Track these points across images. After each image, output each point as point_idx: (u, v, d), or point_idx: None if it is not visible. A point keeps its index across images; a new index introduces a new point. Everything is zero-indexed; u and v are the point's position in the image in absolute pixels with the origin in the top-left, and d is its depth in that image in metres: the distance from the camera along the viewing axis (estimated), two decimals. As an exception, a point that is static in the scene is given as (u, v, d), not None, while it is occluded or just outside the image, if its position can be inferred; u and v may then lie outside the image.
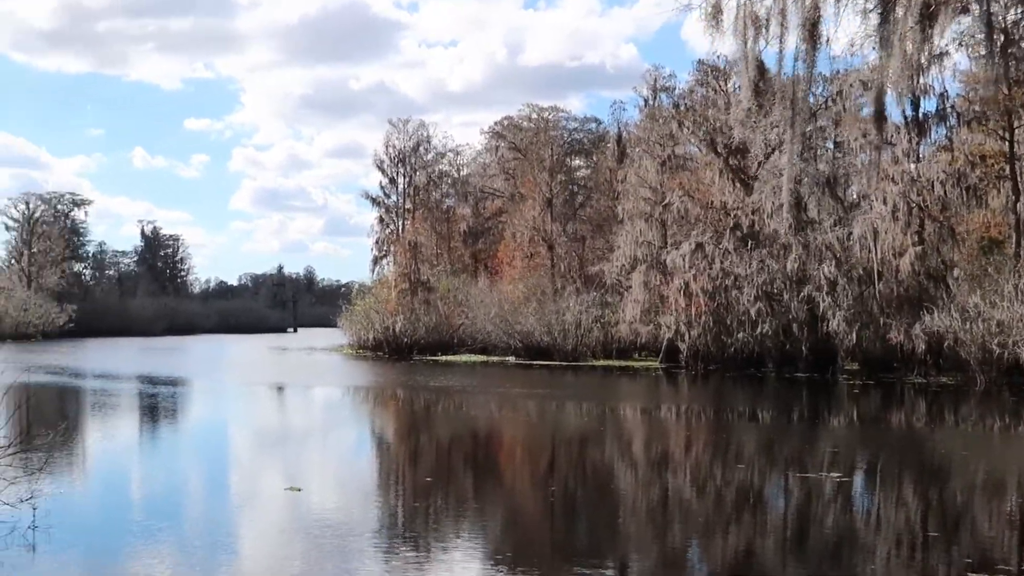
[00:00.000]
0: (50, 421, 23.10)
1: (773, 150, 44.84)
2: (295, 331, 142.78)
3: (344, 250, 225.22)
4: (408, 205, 73.94)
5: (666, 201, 50.15)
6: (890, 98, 29.70)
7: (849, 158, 44.74)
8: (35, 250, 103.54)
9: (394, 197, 74.83)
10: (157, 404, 31.30)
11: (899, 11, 21.84)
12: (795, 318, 43.04)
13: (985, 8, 27.16)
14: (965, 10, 26.46)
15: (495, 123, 77.34)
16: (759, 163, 47.45)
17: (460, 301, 62.22)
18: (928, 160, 41.60)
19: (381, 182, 74.94)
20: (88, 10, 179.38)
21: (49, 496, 13.44)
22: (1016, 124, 39.78)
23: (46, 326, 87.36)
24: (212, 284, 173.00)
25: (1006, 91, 37.75)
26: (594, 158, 70.76)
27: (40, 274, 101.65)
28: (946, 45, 33.31)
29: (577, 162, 72.37)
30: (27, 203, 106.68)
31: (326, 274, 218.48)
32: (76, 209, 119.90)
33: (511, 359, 55.32)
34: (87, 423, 25.51)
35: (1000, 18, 34.12)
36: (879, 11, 22.35)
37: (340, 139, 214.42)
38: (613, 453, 21.30)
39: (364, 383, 43.04)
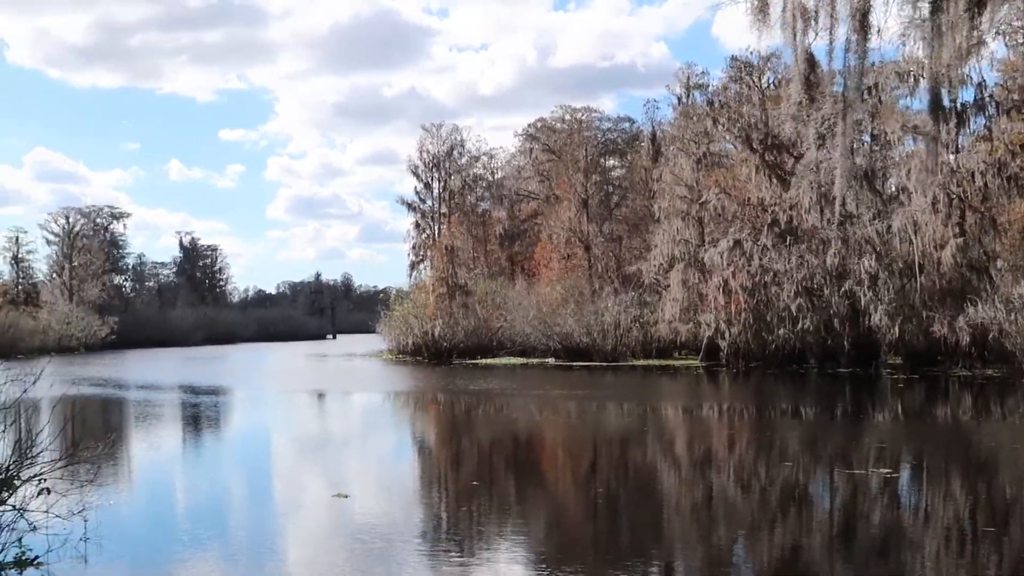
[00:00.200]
0: (97, 433, 23.43)
1: (818, 143, 44.31)
2: (334, 338, 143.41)
3: (380, 256, 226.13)
4: (443, 210, 73.95)
5: (702, 199, 50.02)
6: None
7: (886, 151, 44.36)
8: (76, 264, 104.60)
9: (429, 202, 74.98)
10: (200, 413, 31.54)
11: (951, -1, 21.53)
12: (836, 313, 42.77)
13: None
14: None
15: (528, 125, 77.48)
16: (796, 158, 47.15)
17: (498, 304, 62.24)
18: (967, 150, 41.20)
19: (416, 187, 75.00)
20: (122, 25, 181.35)
21: (99, 507, 13.58)
22: (1057, 111, 39.33)
23: (88, 339, 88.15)
24: (250, 293, 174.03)
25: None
26: (628, 158, 70.73)
27: (81, 287, 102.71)
28: (983, 34, 32.84)
29: (611, 162, 72.30)
30: (67, 217, 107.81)
31: (363, 280, 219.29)
32: (115, 222, 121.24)
33: (551, 361, 55.34)
34: (132, 434, 25.75)
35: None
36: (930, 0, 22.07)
37: (373, 146, 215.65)
38: (656, 453, 21.23)
39: (404, 388, 43.15)
